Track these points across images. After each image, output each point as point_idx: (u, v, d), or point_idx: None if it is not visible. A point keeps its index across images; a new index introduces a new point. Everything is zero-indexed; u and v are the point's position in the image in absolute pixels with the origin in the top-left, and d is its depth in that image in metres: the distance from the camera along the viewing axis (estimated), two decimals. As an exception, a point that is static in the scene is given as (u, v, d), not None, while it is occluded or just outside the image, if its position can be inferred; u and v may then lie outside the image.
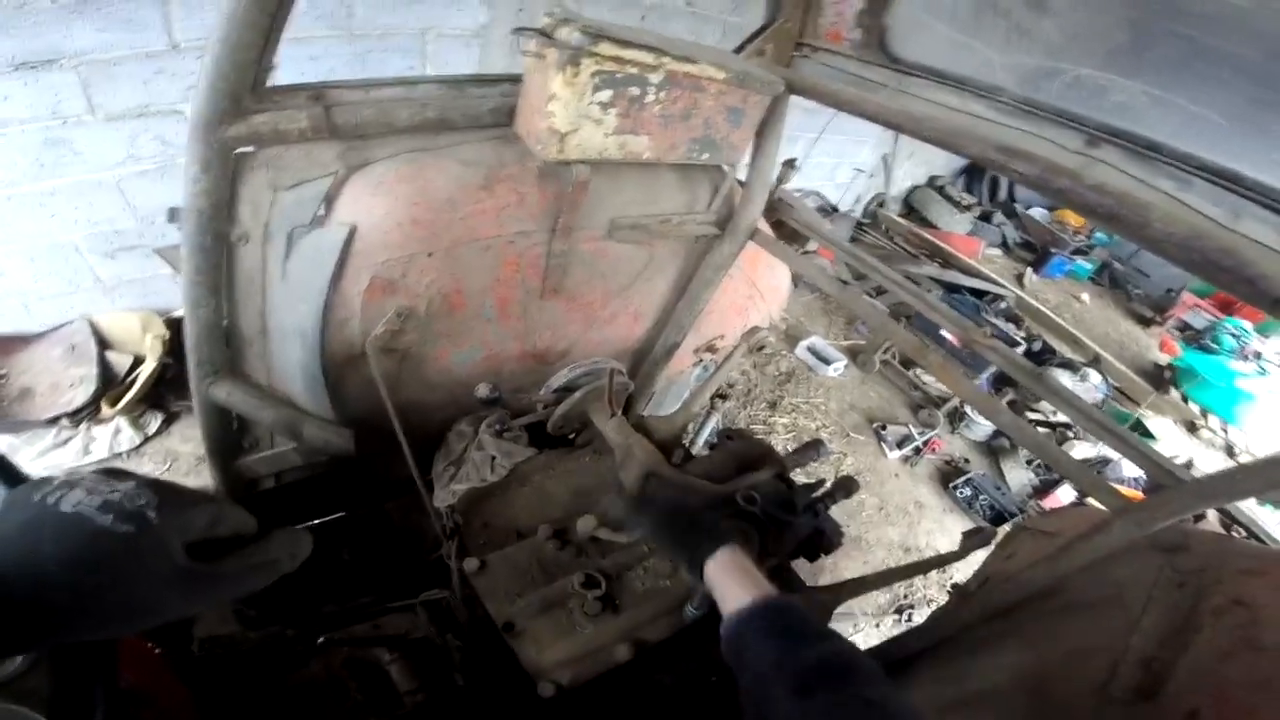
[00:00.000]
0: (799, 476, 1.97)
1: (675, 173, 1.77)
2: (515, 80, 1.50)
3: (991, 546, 1.73)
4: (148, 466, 3.22)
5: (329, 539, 2.06)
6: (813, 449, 1.96)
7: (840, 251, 1.86)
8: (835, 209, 6.33)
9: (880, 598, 3.70)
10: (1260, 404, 5.90)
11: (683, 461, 1.85)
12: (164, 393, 3.46)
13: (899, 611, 3.69)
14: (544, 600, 1.46)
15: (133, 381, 3.30)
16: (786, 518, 1.70)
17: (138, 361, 3.39)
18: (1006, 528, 4.12)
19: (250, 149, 1.35)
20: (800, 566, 1.98)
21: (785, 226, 2.21)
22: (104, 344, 3.37)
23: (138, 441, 3.25)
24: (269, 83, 1.29)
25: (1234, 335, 7.01)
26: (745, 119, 1.63)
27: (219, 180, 1.33)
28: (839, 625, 3.43)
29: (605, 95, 1.35)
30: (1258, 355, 6.85)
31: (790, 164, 2.03)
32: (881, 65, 1.61)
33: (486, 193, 1.51)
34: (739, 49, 1.78)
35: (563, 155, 1.41)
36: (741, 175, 1.93)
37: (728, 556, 1.13)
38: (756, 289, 2.30)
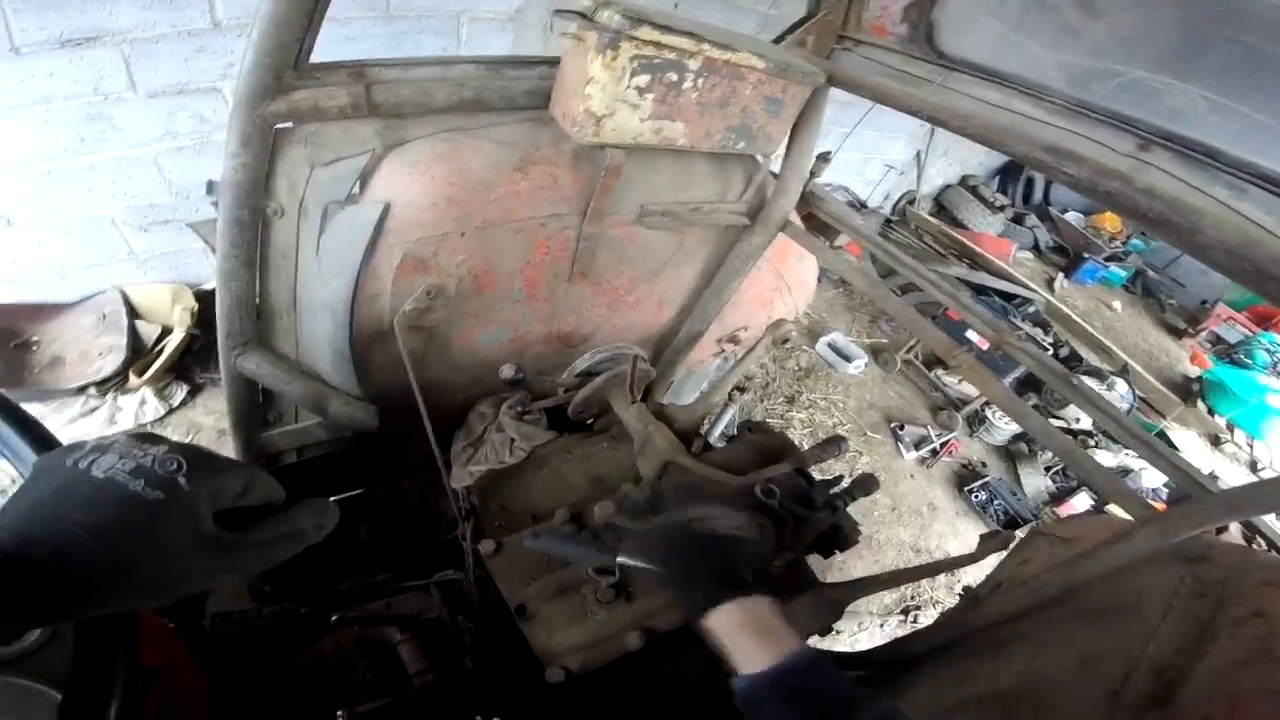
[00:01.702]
0: (817, 472, 1.97)
1: (709, 161, 1.76)
2: (552, 63, 1.50)
3: (1006, 551, 1.72)
4: (172, 437, 3.25)
5: (347, 515, 2.08)
6: (834, 445, 1.95)
7: (870, 247, 1.84)
8: (864, 205, 6.26)
9: (886, 597, 3.70)
10: None
11: (702, 451, 1.85)
12: (190, 364, 3.53)
13: (905, 612, 3.70)
14: (558, 585, 1.47)
15: (160, 352, 3.37)
16: (805, 512, 1.69)
17: (165, 332, 3.47)
18: (1021, 533, 4.13)
19: (289, 125, 1.36)
20: (812, 562, 1.98)
21: (815, 220, 2.19)
22: (134, 314, 3.45)
23: (162, 412, 3.33)
24: (310, 60, 1.30)
25: (1268, 350, 6.86)
26: (784, 110, 1.61)
27: (258, 155, 1.35)
28: (845, 623, 3.43)
29: (643, 80, 1.34)
30: (1290, 370, 6.71)
31: (824, 157, 2.00)
32: (926, 60, 1.58)
33: (521, 174, 1.51)
34: (779, 39, 1.76)
35: (598, 139, 1.41)
36: (775, 166, 1.92)
37: (744, 611, 0.99)
38: (783, 281, 2.29)
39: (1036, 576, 1.37)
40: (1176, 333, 7.36)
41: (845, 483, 1.91)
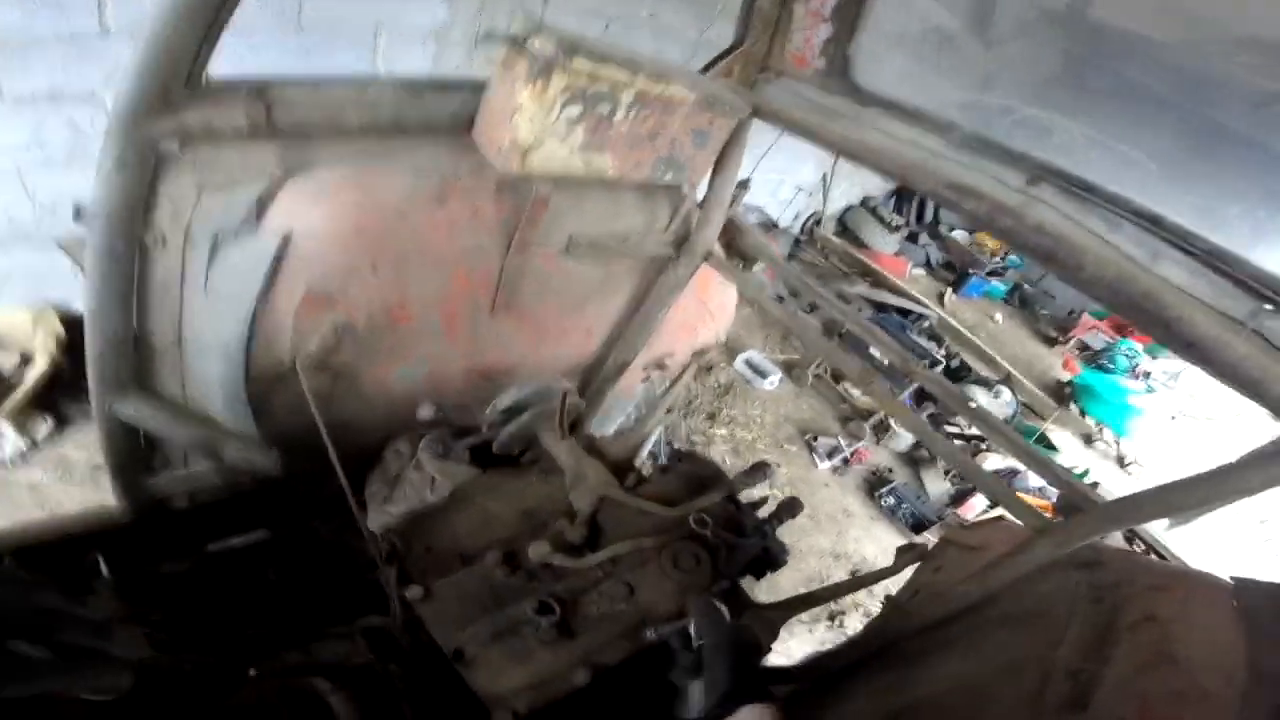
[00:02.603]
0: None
1: (636, 192, 1.71)
2: (477, 87, 1.41)
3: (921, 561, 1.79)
4: (38, 475, 2.95)
5: (251, 559, 1.89)
6: (760, 471, 1.96)
7: (791, 279, 1.86)
8: (776, 225, 6.44)
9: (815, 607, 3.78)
10: (1147, 418, 6.46)
11: (635, 484, 1.80)
12: (56, 396, 3.14)
13: (831, 618, 3.80)
14: (495, 627, 1.39)
15: (20, 383, 2.99)
16: (736, 540, 1.70)
17: (25, 360, 3.08)
18: (929, 534, 4.40)
19: (174, 146, 1.19)
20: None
21: (735, 246, 2.20)
22: None
23: (23, 449, 2.96)
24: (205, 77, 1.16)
25: (1127, 356, 7.58)
26: (710, 141, 1.59)
27: (136, 179, 1.19)
28: None
29: (574, 111, 1.28)
30: (1147, 375, 7.45)
31: (744, 185, 2.02)
32: (842, 94, 1.61)
33: (439, 204, 1.40)
34: (706, 68, 1.74)
35: (524, 170, 1.33)
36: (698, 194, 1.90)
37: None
38: (706, 308, 2.28)
39: (953, 587, 1.44)
40: (1050, 341, 8.01)
41: (771, 506, 1.94)
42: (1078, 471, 5.39)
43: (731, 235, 1.98)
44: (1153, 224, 1.22)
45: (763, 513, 1.92)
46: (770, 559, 1.84)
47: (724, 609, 1.28)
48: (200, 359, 1.47)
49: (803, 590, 1.77)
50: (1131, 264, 1.19)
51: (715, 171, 1.76)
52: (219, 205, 1.27)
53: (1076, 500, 1.31)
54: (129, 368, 1.42)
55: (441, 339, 1.69)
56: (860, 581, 1.90)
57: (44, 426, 3.06)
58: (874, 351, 4.80)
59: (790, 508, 1.90)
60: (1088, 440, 6.46)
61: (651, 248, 1.83)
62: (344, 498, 1.58)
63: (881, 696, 1.42)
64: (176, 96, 1.12)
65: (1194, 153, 1.28)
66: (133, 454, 1.60)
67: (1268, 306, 1.07)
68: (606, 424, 2.65)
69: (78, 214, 1.28)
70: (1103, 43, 1.42)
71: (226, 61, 1.54)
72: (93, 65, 2.55)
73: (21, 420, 3.00)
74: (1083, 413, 6.63)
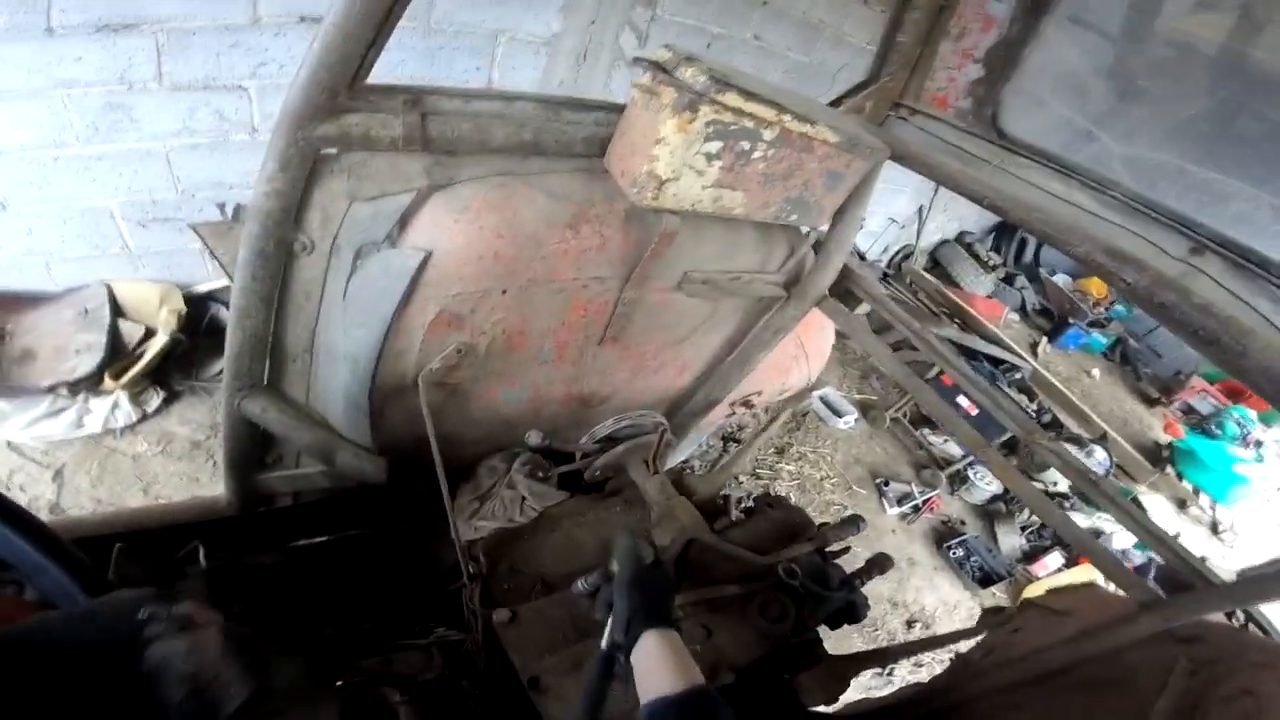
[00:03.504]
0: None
1: (756, 230, 1.68)
2: (610, 109, 1.40)
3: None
4: (141, 446, 3.09)
5: (336, 558, 1.94)
6: (851, 525, 1.90)
7: (913, 338, 1.77)
8: (863, 257, 6.26)
9: None
10: (1253, 489, 5.99)
11: (726, 527, 1.76)
12: (170, 370, 3.32)
13: (881, 666, 3.64)
14: (574, 659, 1.39)
15: (140, 354, 3.15)
16: (823, 592, 1.66)
17: (149, 334, 3.24)
18: (996, 589, 4.27)
19: (333, 151, 1.23)
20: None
21: (839, 285, 2.13)
22: (118, 312, 3.22)
23: (135, 419, 3.11)
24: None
25: (1239, 423, 6.99)
26: (843, 183, 1.55)
27: (294, 181, 1.21)
28: None
29: (714, 146, 1.26)
30: (1258, 444, 6.84)
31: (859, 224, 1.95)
32: (985, 138, 1.54)
33: (572, 232, 1.40)
34: (837, 101, 1.70)
35: (657, 203, 1.31)
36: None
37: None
38: (803, 350, 2.23)
39: (1039, 650, 1.39)
40: (1150, 401, 7.43)
41: (862, 562, 1.87)
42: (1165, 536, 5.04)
43: (848, 281, 1.92)
44: None
45: (847, 562, 1.85)
46: (853, 613, 1.79)
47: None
48: (328, 366, 1.50)
49: (855, 636, 1.71)
50: None
51: (839, 214, 1.70)
52: (366, 215, 1.30)
53: (1186, 575, 1.25)
54: (262, 368, 1.47)
55: (550, 365, 1.69)
56: (938, 641, 1.85)
57: (154, 399, 3.20)
58: (961, 400, 4.64)
59: (880, 564, 1.85)
60: (1181, 505, 5.99)
61: (762, 288, 1.80)
62: (430, 501, 1.59)
63: None
64: (341, 100, 1.14)
65: None
66: (251, 450, 1.65)
67: None
68: (678, 452, 2.62)
69: (236, 213, 1.34)
70: (1270, 91, 1.31)
71: None
72: (242, 57, 2.70)
73: (135, 391, 3.13)
74: (1180, 476, 6.15)
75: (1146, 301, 1.22)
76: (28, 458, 2.87)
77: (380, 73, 1.18)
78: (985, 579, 4.29)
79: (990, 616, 1.73)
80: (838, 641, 1.87)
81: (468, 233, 1.31)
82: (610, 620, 1.14)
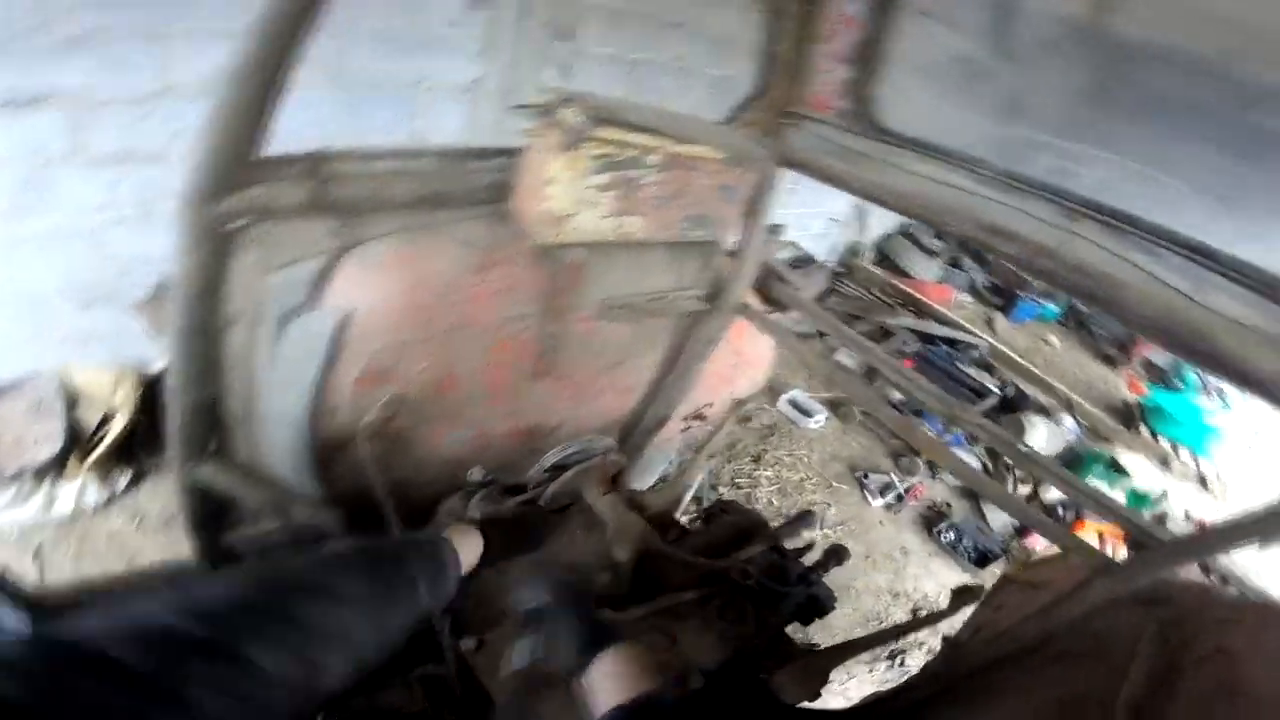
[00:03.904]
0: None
1: (665, 249, 1.76)
2: (511, 154, 1.46)
3: (980, 602, 1.76)
4: (116, 523, 3.06)
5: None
6: (804, 520, 1.96)
7: (819, 321, 1.86)
8: (812, 260, 6.39)
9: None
10: (1228, 437, 6.07)
11: (678, 538, 1.82)
12: (134, 448, 3.31)
13: (891, 657, 3.61)
14: (546, 680, 1.38)
15: (102, 438, 3.12)
16: (781, 589, 1.72)
17: (107, 417, 3.23)
18: (995, 567, 4.20)
19: (241, 224, 1.26)
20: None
21: (770, 294, 2.22)
22: (72, 399, 3.19)
23: (105, 498, 3.09)
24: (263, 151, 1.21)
25: (1196, 373, 7.17)
26: (738, 195, 1.63)
27: (209, 258, 1.25)
28: (834, 674, 3.38)
29: (603, 178, 1.33)
30: (1220, 391, 7.00)
31: (775, 231, 2.05)
32: (868, 136, 1.60)
33: (482, 276, 1.46)
34: (729, 119, 1.78)
35: (560, 239, 1.39)
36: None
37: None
38: (741, 356, 2.30)
39: (1012, 627, 1.40)
40: (1111, 361, 7.60)
41: (819, 552, 1.93)
42: (1155, 495, 5.11)
43: (767, 287, 2.01)
44: (1199, 254, 1.16)
45: (810, 559, 1.91)
46: (818, 606, 1.84)
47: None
48: (270, 429, 1.54)
49: (860, 631, 1.74)
50: (1177, 297, 1.15)
51: (745, 223, 1.79)
52: (282, 283, 1.34)
53: (1140, 536, 1.28)
54: (207, 438, 1.49)
55: (486, 404, 1.74)
56: (911, 626, 1.88)
57: (123, 479, 3.17)
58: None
59: (837, 555, 1.90)
60: (1164, 462, 6.01)
61: (684, 304, 1.87)
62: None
63: None
64: (238, 174, 1.17)
65: (1240, 173, 1.24)
66: (208, 514, 1.67)
67: None
68: (648, 475, 2.67)
69: (159, 293, 1.38)
70: (1132, 60, 1.37)
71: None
72: (159, 125, 2.64)
73: (102, 473, 3.10)
74: (1154, 434, 6.22)
75: (1028, 269, 1.30)
76: (3, 541, 2.85)
77: (300, 131, 1.21)
78: (982, 559, 4.27)
79: (961, 595, 1.74)
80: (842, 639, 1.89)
81: (382, 288, 1.36)
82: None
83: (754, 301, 2.03)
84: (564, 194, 1.32)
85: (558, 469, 1.86)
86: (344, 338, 1.39)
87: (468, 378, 1.63)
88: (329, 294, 1.38)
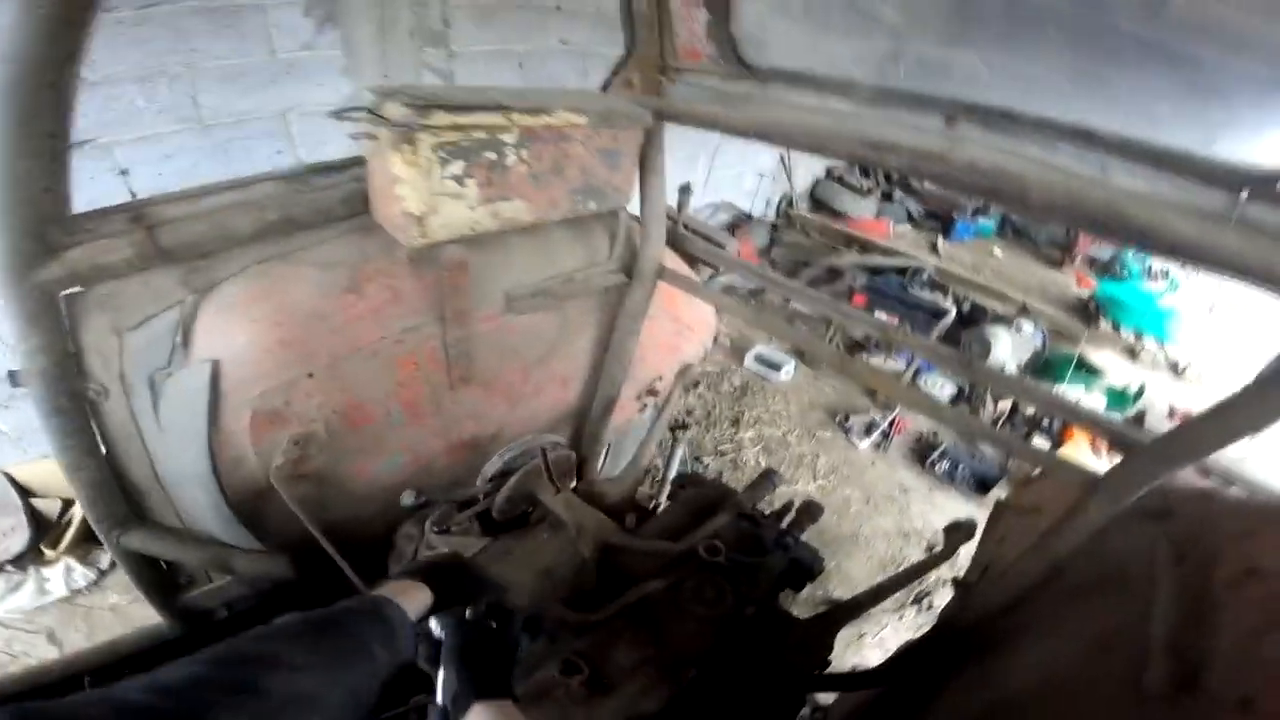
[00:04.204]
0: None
1: (565, 228, 1.61)
2: (364, 163, 1.31)
3: (976, 538, 1.61)
4: (113, 598, 2.95)
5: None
6: (766, 481, 1.83)
7: (734, 268, 1.73)
8: (750, 216, 6.29)
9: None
10: (1185, 317, 5.95)
11: (638, 523, 1.68)
12: (104, 526, 3.16)
13: (917, 601, 3.44)
14: (527, 694, 1.30)
15: (68, 523, 3.04)
16: (754, 560, 1.58)
17: (69, 503, 3.11)
18: (998, 490, 3.98)
19: (77, 289, 1.13)
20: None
21: (689, 253, 2.08)
22: (27, 492, 3.09)
23: (93, 577, 2.99)
24: (75, 209, 1.09)
25: (1138, 260, 7.16)
26: (623, 157, 1.49)
27: (52, 332, 1.12)
28: (866, 625, 3.21)
29: (457, 167, 1.18)
30: (1165, 272, 6.99)
31: (685, 190, 1.91)
32: (741, 77, 1.50)
33: (355, 295, 1.31)
34: (605, 85, 1.65)
35: (428, 238, 1.23)
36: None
37: (487, 714, 0.94)
38: (681, 323, 2.16)
39: (1018, 561, 1.28)
40: (1055, 263, 7.57)
41: (791, 515, 1.79)
42: (1132, 390, 4.97)
43: (682, 243, 1.87)
44: (1089, 139, 1.11)
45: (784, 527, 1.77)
46: (803, 569, 1.71)
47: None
48: (183, 490, 1.41)
49: (881, 578, 1.59)
50: (1080, 180, 1.09)
51: (642, 185, 1.64)
52: (141, 344, 1.21)
53: (1122, 441, 1.15)
54: (121, 505, 1.37)
55: (411, 427, 1.59)
56: (907, 576, 1.69)
57: (104, 556, 3.06)
58: (882, 316, 4.60)
59: (809, 512, 1.77)
60: (1132, 354, 5.95)
61: (601, 280, 1.72)
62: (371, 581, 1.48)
63: (968, 695, 1.25)
64: (53, 239, 1.05)
65: (1099, 61, 1.15)
66: (157, 577, 1.57)
67: (1244, 195, 0.95)
68: (621, 463, 2.53)
69: (13, 379, 1.23)
70: None
71: (145, 178, 1.40)
72: None
73: (82, 554, 3.03)
74: (1115, 326, 6.14)
75: (917, 175, 1.23)
76: (14, 629, 2.77)
77: (173, 179, 1.12)
78: (981, 484, 4.05)
79: (954, 534, 1.58)
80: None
81: (244, 330, 1.23)
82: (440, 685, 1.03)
83: (676, 265, 1.89)
84: (414, 192, 1.17)
85: (504, 476, 1.72)
86: (220, 388, 1.25)
87: (378, 403, 1.47)
88: (194, 346, 1.24)
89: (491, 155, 1.22)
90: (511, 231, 1.41)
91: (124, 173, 2.42)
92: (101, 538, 1.40)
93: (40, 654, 2.69)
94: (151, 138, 2.46)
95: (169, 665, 0.65)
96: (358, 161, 1.32)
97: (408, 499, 1.53)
